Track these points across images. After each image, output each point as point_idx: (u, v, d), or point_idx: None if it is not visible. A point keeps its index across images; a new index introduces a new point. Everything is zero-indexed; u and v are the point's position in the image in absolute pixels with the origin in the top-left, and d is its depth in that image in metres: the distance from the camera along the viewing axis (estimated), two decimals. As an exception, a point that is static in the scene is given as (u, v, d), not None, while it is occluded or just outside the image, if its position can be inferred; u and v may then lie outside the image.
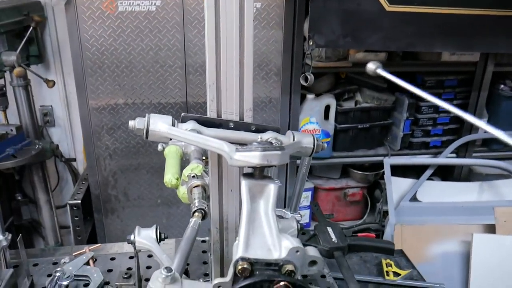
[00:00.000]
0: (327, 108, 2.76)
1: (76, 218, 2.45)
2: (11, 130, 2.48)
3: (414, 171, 3.00)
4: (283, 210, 1.45)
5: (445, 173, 3.07)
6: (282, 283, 0.67)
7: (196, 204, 1.00)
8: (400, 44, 2.34)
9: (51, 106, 2.93)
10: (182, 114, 1.05)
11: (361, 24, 2.22)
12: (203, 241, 1.67)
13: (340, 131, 2.83)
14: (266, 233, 0.76)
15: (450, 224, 2.61)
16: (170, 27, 2.28)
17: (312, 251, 0.74)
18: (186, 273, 1.37)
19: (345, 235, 0.98)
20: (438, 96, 2.83)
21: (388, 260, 1.88)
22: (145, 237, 1.24)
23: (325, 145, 1.12)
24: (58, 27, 2.73)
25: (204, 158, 1.21)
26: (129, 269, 1.47)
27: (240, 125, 1.05)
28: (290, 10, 2.32)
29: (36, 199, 2.77)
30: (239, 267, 0.70)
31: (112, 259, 1.55)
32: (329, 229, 1.01)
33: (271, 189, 0.83)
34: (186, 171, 1.13)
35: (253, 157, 0.80)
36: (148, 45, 2.30)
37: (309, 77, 2.27)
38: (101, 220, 2.63)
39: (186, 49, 2.34)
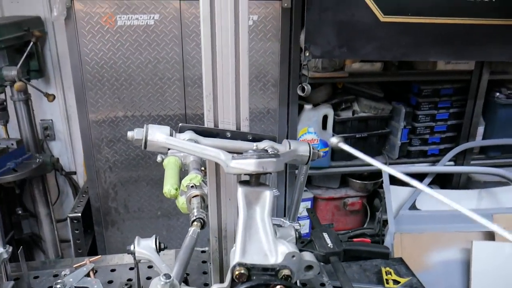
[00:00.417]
0: (325, 118, 2.79)
1: (76, 231, 2.45)
2: (12, 144, 2.50)
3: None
4: (282, 219, 1.46)
5: (443, 181, 3.08)
6: (278, 287, 0.68)
7: (195, 214, 1.02)
8: (395, 54, 2.37)
9: (51, 120, 2.96)
10: (180, 124, 1.07)
11: (356, 34, 2.25)
12: (203, 252, 1.68)
13: (338, 140, 2.84)
14: (262, 239, 0.78)
15: (449, 232, 2.61)
16: (168, 41, 2.32)
17: (308, 256, 0.76)
18: (185, 282, 1.37)
19: (341, 240, 0.99)
20: (435, 104, 2.87)
21: (387, 268, 1.88)
22: (144, 247, 1.25)
23: (321, 153, 1.14)
24: (58, 41, 2.77)
25: (202, 168, 1.23)
26: (129, 280, 1.48)
27: (237, 135, 1.07)
28: (287, 22, 2.36)
29: (37, 213, 2.78)
30: (236, 272, 0.71)
31: (113, 270, 1.55)
32: (325, 235, 1.02)
33: (267, 195, 0.85)
34: (185, 181, 1.15)
35: (248, 165, 0.82)
36: (147, 58, 2.33)
37: (306, 87, 2.30)
38: (101, 232, 2.64)
39: (185, 62, 2.37)
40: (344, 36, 2.25)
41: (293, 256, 0.73)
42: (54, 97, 2.64)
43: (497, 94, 2.91)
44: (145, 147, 1.00)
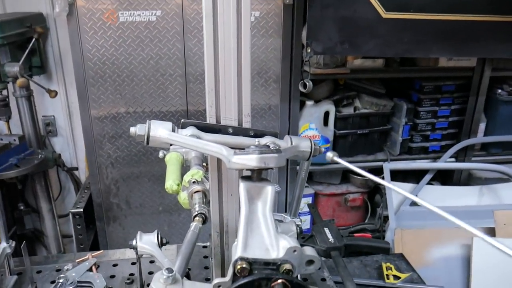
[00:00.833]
0: (326, 114, 2.79)
1: (78, 227, 2.47)
2: (14, 140, 2.52)
3: (414, 176, 3.02)
4: (283, 215, 1.47)
5: (444, 178, 3.08)
6: (279, 281, 0.69)
7: (197, 209, 1.03)
8: (397, 50, 2.37)
9: (53, 116, 2.96)
10: (182, 120, 1.08)
11: (358, 31, 2.25)
12: (204, 247, 1.69)
13: (339, 137, 2.85)
14: (264, 233, 0.78)
15: (450, 228, 2.61)
16: (170, 37, 2.32)
17: (309, 251, 0.76)
18: (187, 276, 1.38)
19: (342, 235, 1.00)
20: (436, 101, 2.88)
21: (388, 264, 1.89)
22: (146, 242, 1.26)
23: (323, 149, 1.14)
24: (60, 38, 2.77)
25: (204, 164, 1.24)
26: (132, 274, 1.49)
27: (239, 131, 1.07)
28: (288, 18, 2.36)
29: (39, 209, 2.80)
30: (238, 266, 0.72)
31: (115, 265, 1.56)
32: (326, 230, 1.03)
33: (269, 191, 0.85)
34: (187, 177, 1.15)
35: (250, 160, 0.82)
36: (148, 55, 2.33)
37: (308, 84, 2.30)
38: (103, 228, 2.65)
39: (186, 58, 2.37)
40: (346, 33, 2.25)
41: (295, 251, 0.74)
42: (56, 93, 2.65)
43: (499, 90, 2.91)
44: (148, 142, 1.00)
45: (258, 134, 1.09)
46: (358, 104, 2.89)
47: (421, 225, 2.64)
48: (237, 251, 0.74)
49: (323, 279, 1.49)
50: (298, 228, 1.20)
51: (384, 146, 3.04)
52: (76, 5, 2.18)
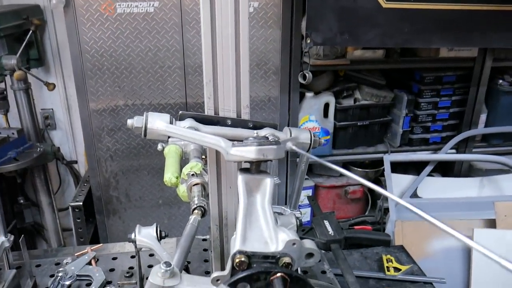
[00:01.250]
0: (326, 106, 2.78)
1: (78, 220, 2.46)
2: (13, 133, 2.50)
3: (414, 168, 3.01)
4: (283, 207, 1.46)
5: (445, 169, 3.07)
6: (279, 274, 0.68)
7: (196, 202, 1.02)
8: (398, 40, 2.35)
9: (52, 109, 2.95)
10: (180, 112, 1.06)
11: (358, 21, 2.23)
12: (204, 240, 1.68)
13: (339, 128, 2.84)
14: (263, 226, 0.77)
15: (450, 219, 2.61)
16: (168, 28, 2.29)
17: (308, 244, 0.75)
18: (186, 270, 1.38)
19: (342, 228, 0.99)
20: (437, 91, 2.86)
21: (388, 256, 1.89)
22: (145, 235, 1.25)
23: (322, 140, 1.13)
24: (58, 30, 2.75)
25: (203, 156, 1.22)
26: (131, 268, 1.49)
27: (238, 122, 1.06)
28: (288, 8, 2.33)
29: (39, 202, 2.79)
30: (237, 260, 0.71)
31: (114, 258, 1.56)
32: (326, 222, 1.02)
33: (268, 183, 0.84)
34: (186, 170, 1.14)
35: (249, 152, 0.81)
36: (147, 46, 2.31)
37: (307, 75, 2.28)
38: (103, 221, 2.65)
39: (185, 50, 2.35)
40: (346, 23, 2.22)
41: (294, 244, 0.73)
42: (54, 86, 2.62)
43: (500, 81, 2.89)
44: (145, 135, 0.99)
45: (257, 126, 1.07)
46: (358, 95, 2.87)
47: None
48: (236, 244, 0.73)
49: (323, 272, 1.48)
50: (298, 220, 1.20)
51: (385, 138, 3.02)
52: (73, -3, 2.15)
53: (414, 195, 2.77)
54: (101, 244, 1.62)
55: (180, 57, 2.36)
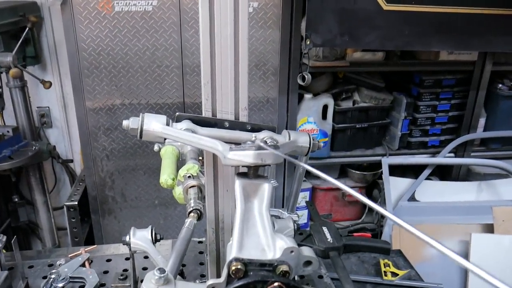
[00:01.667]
0: (325, 108, 2.76)
1: (73, 220, 2.44)
2: (8, 131, 2.47)
3: (413, 171, 3.00)
4: (280, 210, 1.44)
5: (443, 173, 3.06)
6: (276, 283, 0.66)
7: (192, 205, 1.00)
8: (398, 43, 2.34)
9: (48, 107, 2.92)
10: (177, 113, 1.04)
11: (358, 23, 2.21)
12: (200, 242, 1.66)
13: (338, 131, 2.82)
14: (260, 233, 0.75)
15: (448, 224, 2.60)
16: (167, 27, 2.27)
17: (307, 251, 0.74)
18: (181, 274, 1.36)
19: (341, 235, 0.97)
20: (436, 95, 2.85)
21: (386, 260, 1.87)
22: (140, 238, 1.23)
23: (321, 144, 1.11)
24: (55, 27, 2.72)
25: (200, 158, 1.21)
26: (125, 270, 1.46)
27: (235, 125, 1.04)
28: (287, 9, 2.32)
29: (33, 201, 2.76)
30: (233, 267, 0.69)
31: (108, 260, 1.53)
32: (325, 229, 1.00)
33: (266, 188, 0.82)
34: (182, 171, 1.12)
35: (247, 156, 0.79)
36: (145, 45, 2.29)
37: (306, 76, 2.26)
38: (98, 221, 2.62)
39: (183, 49, 2.33)
40: (346, 25, 2.21)
41: (292, 251, 0.71)
42: (51, 84, 2.60)
43: (500, 85, 2.87)
44: (141, 136, 0.97)
45: (256, 129, 1.05)
46: (357, 97, 2.86)
47: (419, 221, 2.62)
48: (232, 251, 0.71)
49: (320, 276, 1.47)
50: (295, 224, 1.18)
51: (383, 141, 3.01)
52: (70, -6, 2.13)
53: (412, 198, 2.76)
54: (95, 246, 1.59)
55: (178, 56, 2.34)
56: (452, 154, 2.94)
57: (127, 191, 2.58)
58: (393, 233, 2.56)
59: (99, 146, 2.46)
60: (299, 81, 2.33)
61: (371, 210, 3.09)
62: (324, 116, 2.78)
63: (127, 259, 1.54)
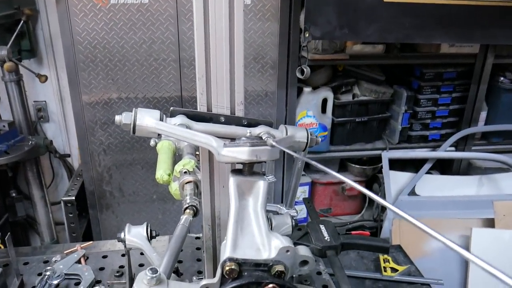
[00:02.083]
0: (324, 102, 2.73)
1: (70, 215, 2.42)
2: (4, 126, 2.45)
3: (413, 165, 2.97)
4: (278, 206, 1.42)
5: (444, 167, 3.04)
6: (270, 285, 0.64)
7: (188, 201, 0.98)
8: (398, 35, 2.30)
9: (45, 101, 2.89)
10: (171, 108, 1.02)
11: (358, 15, 2.18)
12: (197, 238, 1.64)
13: (337, 124, 2.79)
14: (255, 232, 0.73)
15: (449, 218, 2.58)
16: (163, 20, 2.24)
17: (303, 251, 0.71)
18: (177, 271, 1.34)
19: (339, 233, 0.95)
20: (437, 88, 2.81)
21: (385, 256, 1.85)
22: (135, 235, 1.21)
23: (319, 139, 1.09)
24: (51, 20, 2.68)
25: (197, 153, 1.18)
26: (121, 267, 1.45)
27: (231, 119, 1.01)
28: (286, 1, 2.28)
29: (31, 196, 2.74)
30: (227, 268, 0.67)
31: (104, 257, 1.52)
32: (322, 227, 0.98)
33: (261, 186, 0.80)
34: (178, 167, 1.10)
35: (241, 153, 0.76)
36: (141, 38, 2.26)
37: (305, 70, 2.23)
38: (96, 216, 2.61)
39: (180, 42, 2.30)
40: (346, 17, 2.17)
41: (288, 251, 0.69)
42: (46, 78, 2.57)
43: (501, 78, 2.84)
44: (134, 132, 0.94)
45: (252, 123, 1.03)
46: (357, 91, 2.83)
47: (420, 215, 2.60)
48: (226, 251, 0.69)
49: (319, 273, 1.45)
50: (293, 220, 1.16)
51: (383, 134, 2.98)
52: (65, -14, 2.09)
53: (412, 192, 2.74)
54: (91, 242, 1.57)
55: (175, 49, 2.31)
56: (452, 148, 2.91)
57: (124, 185, 2.56)
58: (393, 227, 2.54)
59: (96, 141, 2.43)
60: (298, 74, 2.30)
61: (370, 204, 3.07)
62: (323, 110, 2.75)
63: (123, 255, 1.52)
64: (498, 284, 0.45)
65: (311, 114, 2.70)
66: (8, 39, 2.35)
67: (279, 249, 0.69)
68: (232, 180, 0.80)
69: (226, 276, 0.68)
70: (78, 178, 2.64)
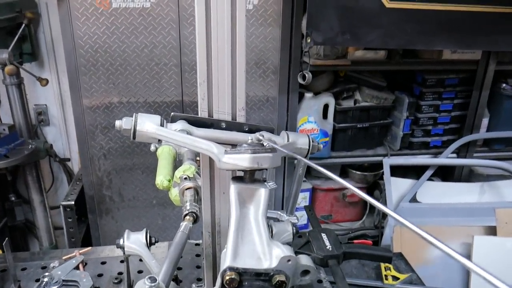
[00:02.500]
0: (326, 107, 2.72)
1: (69, 220, 2.41)
2: (4, 129, 2.44)
3: (414, 172, 2.96)
4: (279, 212, 1.40)
5: (445, 174, 3.02)
6: (271, 296, 0.63)
7: (188, 207, 0.97)
8: (400, 41, 2.29)
9: (46, 105, 2.88)
10: (172, 113, 1.01)
11: (360, 21, 2.17)
12: (197, 244, 1.63)
13: (339, 130, 2.78)
14: (256, 240, 0.72)
15: (450, 225, 2.56)
16: (165, 24, 2.23)
17: (304, 260, 0.70)
18: (176, 278, 1.32)
19: (341, 242, 0.94)
20: (439, 94, 2.80)
21: (387, 264, 1.84)
22: (134, 241, 1.20)
23: (321, 145, 1.08)
24: (52, 24, 2.68)
25: (197, 159, 1.17)
26: (120, 273, 1.43)
27: (232, 125, 1.00)
28: (288, 6, 2.28)
29: (30, 200, 2.73)
30: (227, 277, 0.66)
31: (103, 263, 1.50)
32: (324, 236, 0.96)
33: (262, 193, 0.78)
34: (178, 173, 1.09)
35: (242, 160, 0.75)
36: (142, 43, 2.25)
37: (307, 75, 2.22)
38: (95, 221, 2.59)
39: (182, 47, 2.29)
40: (348, 22, 2.16)
41: (289, 260, 0.67)
42: (47, 81, 2.56)
43: (504, 85, 2.83)
44: (134, 137, 0.94)
45: (253, 129, 1.02)
46: (359, 97, 2.82)
47: (421, 222, 2.58)
48: (226, 259, 0.68)
49: (320, 281, 1.43)
50: (294, 227, 1.14)
51: (384, 141, 2.97)
52: (67, -10, 2.09)
53: (414, 199, 2.72)
54: (89, 248, 1.56)
55: (176, 54, 2.30)
56: (454, 155, 2.90)
57: (124, 190, 2.55)
58: (394, 235, 2.52)
59: (96, 145, 2.42)
60: (300, 80, 2.29)
61: (371, 211, 3.05)
62: (324, 116, 2.74)
63: (122, 261, 1.50)
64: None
65: (313, 120, 2.69)
66: (9, 42, 2.34)
67: (280, 259, 0.67)
68: (233, 188, 0.78)
69: (226, 286, 0.66)
70: (77, 183, 2.63)
